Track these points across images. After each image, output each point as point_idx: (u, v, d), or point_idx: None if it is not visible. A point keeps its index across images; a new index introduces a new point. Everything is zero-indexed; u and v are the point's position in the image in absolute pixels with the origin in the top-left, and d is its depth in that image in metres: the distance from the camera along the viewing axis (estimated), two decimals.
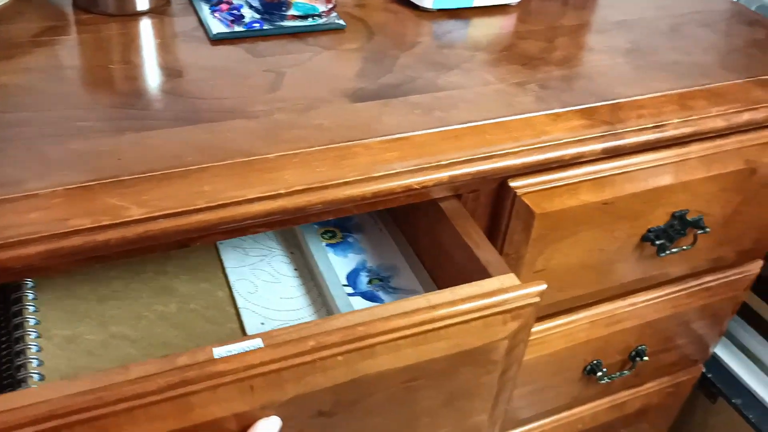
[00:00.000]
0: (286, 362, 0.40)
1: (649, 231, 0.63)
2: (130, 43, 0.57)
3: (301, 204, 0.44)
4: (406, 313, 0.43)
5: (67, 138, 0.45)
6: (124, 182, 0.42)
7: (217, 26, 0.59)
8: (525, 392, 0.74)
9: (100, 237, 0.40)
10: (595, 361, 0.76)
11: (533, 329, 0.68)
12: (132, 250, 0.42)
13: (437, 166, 0.48)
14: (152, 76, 0.53)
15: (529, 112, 0.53)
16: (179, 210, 0.41)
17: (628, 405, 0.88)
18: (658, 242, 0.64)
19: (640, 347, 0.78)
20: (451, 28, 0.66)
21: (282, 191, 0.44)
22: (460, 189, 0.52)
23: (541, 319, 0.68)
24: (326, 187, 0.45)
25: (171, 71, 0.54)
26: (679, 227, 0.64)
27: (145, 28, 0.60)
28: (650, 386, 0.88)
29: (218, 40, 0.59)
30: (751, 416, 0.90)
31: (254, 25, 0.60)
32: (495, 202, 0.55)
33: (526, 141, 0.51)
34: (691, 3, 0.77)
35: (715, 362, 0.95)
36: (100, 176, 0.42)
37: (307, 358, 0.41)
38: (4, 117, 0.47)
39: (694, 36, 0.69)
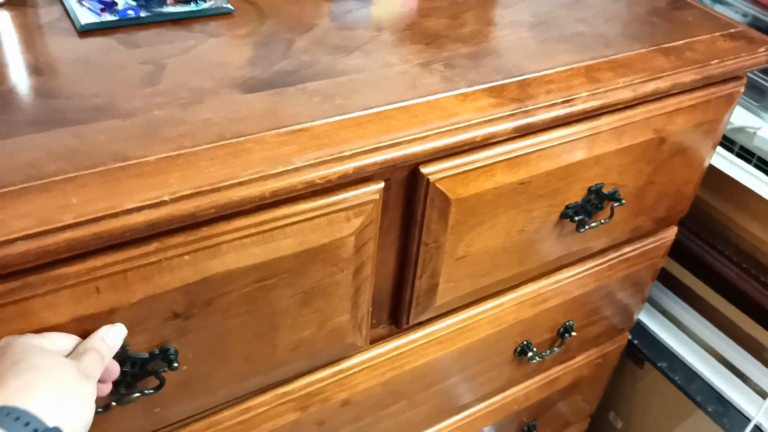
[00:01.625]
0: (131, 263, 0.40)
1: (567, 207, 0.62)
2: None
3: (190, 210, 0.39)
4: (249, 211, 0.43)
5: None
6: None
7: (85, 16, 0.53)
8: (458, 380, 0.72)
9: None
10: (524, 342, 0.74)
11: (460, 317, 0.66)
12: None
13: (340, 157, 0.44)
14: (7, 76, 0.47)
15: (436, 94, 0.50)
16: (41, 229, 0.36)
17: (560, 380, 0.87)
18: (577, 218, 0.62)
19: (567, 323, 0.77)
20: (351, 7, 0.62)
21: (166, 198, 0.39)
22: (366, 180, 0.48)
23: (467, 306, 0.66)
24: (218, 190, 0.40)
25: (30, 69, 0.48)
26: (596, 201, 0.63)
27: (2, 18, 0.53)
28: (579, 359, 0.88)
29: (87, 31, 0.52)
30: (676, 378, 0.91)
31: (129, 12, 0.54)
32: (408, 191, 0.52)
33: (435, 124, 0.48)
34: None
35: (639, 328, 0.96)
36: None
37: (152, 258, 0.41)
38: None
39: (596, 6, 0.67)
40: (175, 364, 0.45)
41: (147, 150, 0.41)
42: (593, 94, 0.54)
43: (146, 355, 0.45)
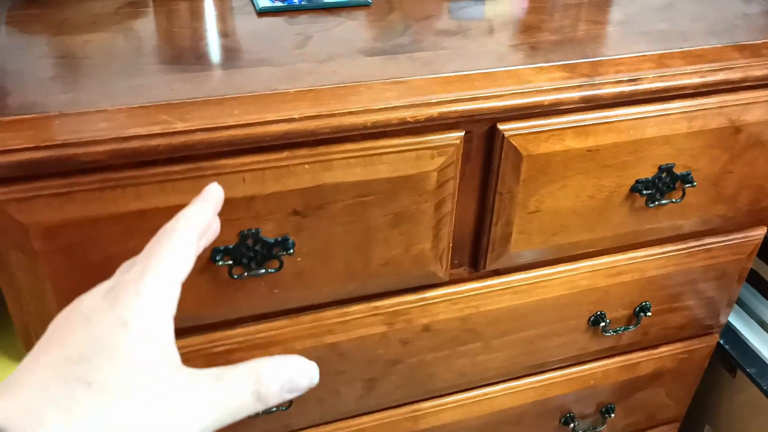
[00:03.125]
0: (267, 164, 0.56)
1: (637, 182, 0.70)
2: (194, 15, 0.70)
3: (311, 128, 0.55)
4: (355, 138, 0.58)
5: (133, 76, 0.58)
6: (174, 105, 0.54)
7: (263, 2, 0.71)
8: (532, 335, 0.81)
9: (152, 142, 0.52)
10: (598, 312, 0.82)
11: (534, 273, 0.75)
12: (176, 158, 0.54)
13: (428, 103, 0.57)
14: (207, 37, 0.66)
15: (516, 65, 0.62)
16: (212, 126, 0.53)
17: (641, 366, 0.92)
18: (646, 192, 0.70)
19: (644, 303, 0.83)
20: (467, 5, 0.75)
21: (296, 116, 0.54)
22: (451, 127, 0.61)
23: (541, 265, 0.76)
24: (333, 115, 0.55)
25: (222, 33, 0.66)
26: (667, 180, 0.70)
27: (208, 4, 0.73)
28: (663, 351, 0.92)
29: (263, 12, 0.71)
30: (765, 386, 0.92)
31: (294, 1, 0.72)
32: (487, 145, 0.64)
33: (510, 87, 0.60)
34: None
35: (731, 333, 0.97)
36: (155, 101, 0.54)
37: (283, 163, 0.57)
38: (84, 62, 0.60)
39: (686, 9, 0.75)
40: (291, 251, 0.61)
41: (288, 86, 0.57)
42: (660, 77, 0.63)
43: (272, 240, 0.60)
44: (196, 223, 0.37)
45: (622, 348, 0.89)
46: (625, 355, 0.91)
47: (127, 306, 0.30)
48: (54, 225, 0.53)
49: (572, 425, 0.94)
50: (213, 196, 0.41)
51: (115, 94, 0.55)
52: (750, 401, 0.98)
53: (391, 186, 0.61)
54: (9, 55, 0.60)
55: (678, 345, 0.93)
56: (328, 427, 0.81)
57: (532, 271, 0.76)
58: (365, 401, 0.79)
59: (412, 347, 0.76)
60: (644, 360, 0.92)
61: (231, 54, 0.62)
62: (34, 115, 0.51)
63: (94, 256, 0.56)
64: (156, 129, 0.52)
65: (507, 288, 0.75)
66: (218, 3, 0.73)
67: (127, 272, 0.34)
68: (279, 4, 0.71)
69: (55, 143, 0.50)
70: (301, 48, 0.64)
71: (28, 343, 0.61)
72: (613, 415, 0.96)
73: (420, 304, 0.73)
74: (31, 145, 0.49)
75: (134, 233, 0.56)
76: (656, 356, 0.92)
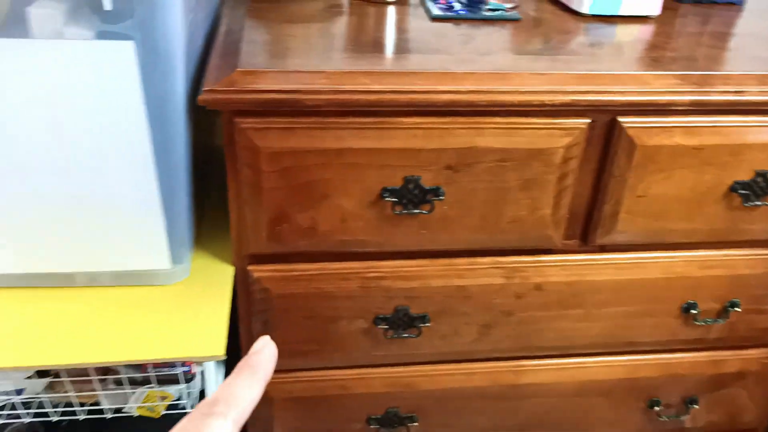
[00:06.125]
0: (434, 125, 0.74)
1: (735, 182, 0.82)
2: (380, 16, 0.90)
3: (471, 100, 0.72)
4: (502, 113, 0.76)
5: (341, 52, 0.77)
6: (372, 73, 0.73)
7: (435, 11, 0.90)
8: (628, 311, 0.93)
9: (355, 97, 0.71)
10: (690, 301, 0.93)
11: (635, 254, 0.88)
12: (369, 111, 0.72)
13: (564, 92, 0.73)
14: (392, 33, 0.85)
15: (638, 71, 0.77)
16: (399, 89, 0.71)
17: (727, 364, 1.01)
18: (742, 192, 0.82)
19: (733, 300, 0.93)
20: (599, 26, 0.91)
21: (461, 90, 0.72)
22: (579, 114, 0.76)
23: (642, 248, 0.88)
24: (489, 93, 0.72)
25: (403, 31, 0.86)
26: (763, 185, 0.82)
27: (391, 10, 0.93)
28: (749, 353, 1.01)
29: (435, 19, 0.90)
30: None
31: (460, 12, 0.90)
32: (607, 133, 0.79)
33: (631, 87, 0.74)
34: None
35: None
36: (360, 69, 0.73)
37: (445, 126, 0.73)
38: (303, 40, 0.80)
39: None
40: (442, 197, 0.78)
41: (457, 68, 0.75)
42: (761, 92, 0.76)
43: (428, 187, 0.78)
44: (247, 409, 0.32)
45: (710, 342, 0.99)
46: (712, 351, 1.00)
47: None
48: (277, 151, 0.73)
49: (657, 409, 1.04)
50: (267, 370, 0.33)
51: (332, 61, 0.75)
52: None
53: (526, 155, 0.77)
54: (254, 32, 0.82)
55: (764, 350, 1.01)
56: (445, 366, 0.96)
57: (633, 252, 0.88)
58: (478, 345, 0.94)
59: (524, 302, 0.90)
60: (730, 358, 1.01)
61: (412, 44, 0.81)
62: (270, 70, 0.72)
63: (299, 179, 0.76)
64: (359, 87, 0.71)
65: (610, 263, 0.88)
66: (399, 9, 0.93)
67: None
68: (449, 14, 0.90)
69: (289, 89, 0.70)
70: (465, 44, 0.82)
71: (240, 246, 0.81)
72: (696, 406, 1.05)
73: (535, 265, 0.87)
74: (273, 88, 0.70)
75: (331, 166, 0.75)
76: (742, 357, 1.01)
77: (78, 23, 0.60)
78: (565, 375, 0.99)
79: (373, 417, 0.99)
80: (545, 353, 0.97)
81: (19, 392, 0.82)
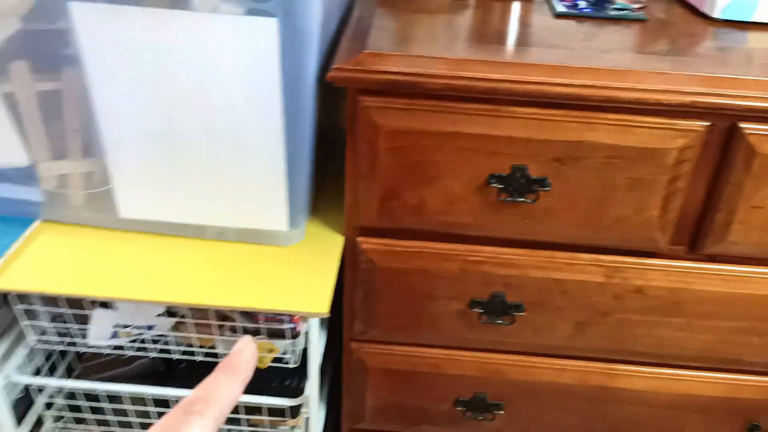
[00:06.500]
0: (545, 117, 0.76)
1: None
2: (504, 12, 0.93)
3: (585, 94, 0.74)
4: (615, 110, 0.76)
5: (459, 43, 0.81)
6: (490, 62, 0.76)
7: (559, 8, 0.92)
8: (733, 327, 0.90)
9: (472, 84, 0.74)
10: None
11: (746, 268, 0.86)
12: (484, 99, 0.76)
13: (683, 92, 0.73)
14: (515, 27, 0.88)
15: (764, 77, 0.75)
16: (515, 79, 0.74)
17: None
18: None
19: None
20: (730, 31, 0.89)
21: (575, 83, 0.74)
22: (698, 116, 0.75)
23: (754, 262, 0.85)
24: (604, 88, 0.74)
25: (526, 25, 0.88)
26: None
27: (515, 7, 0.96)
28: None
29: (558, 15, 0.91)
30: None
31: (584, 9, 0.92)
32: (726, 138, 0.77)
33: (755, 92, 0.73)
34: None
35: None
36: (483, 59, 0.77)
37: (557, 118, 0.76)
38: (429, 30, 0.85)
39: None
40: (547, 189, 0.80)
41: (573, 63, 0.77)
42: None
43: (534, 177, 0.80)
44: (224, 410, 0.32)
45: None
46: None
47: None
48: (395, 130, 0.79)
49: None
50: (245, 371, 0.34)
51: (453, 50, 0.79)
52: None
53: (636, 154, 0.78)
54: (383, 20, 0.88)
55: None
56: (536, 359, 0.98)
57: (745, 265, 0.86)
58: (571, 342, 0.94)
59: (623, 304, 0.90)
60: None
61: (532, 39, 0.84)
62: (395, 53, 0.77)
63: (412, 158, 0.80)
64: (477, 74, 0.75)
65: (718, 274, 0.86)
66: (524, 5, 0.96)
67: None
68: (572, 11, 0.91)
69: (410, 72, 0.75)
70: (586, 41, 0.83)
71: (352, 218, 0.87)
72: None
73: (637, 267, 0.87)
74: (396, 70, 0.75)
75: (443, 148, 0.79)
76: None
77: (231, 0, 0.68)
78: (659, 385, 0.98)
79: (460, 399, 1.02)
80: (640, 359, 0.96)
81: (149, 328, 0.93)
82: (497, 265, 0.89)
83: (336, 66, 0.75)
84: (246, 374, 0.33)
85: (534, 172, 0.80)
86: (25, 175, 0.84)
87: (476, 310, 0.92)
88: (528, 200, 0.81)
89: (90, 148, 0.82)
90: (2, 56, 0.74)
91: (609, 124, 0.76)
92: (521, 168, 0.79)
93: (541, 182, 0.80)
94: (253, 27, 0.69)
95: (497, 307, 0.91)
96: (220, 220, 0.87)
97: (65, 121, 0.80)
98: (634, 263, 0.87)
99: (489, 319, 0.92)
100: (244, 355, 0.34)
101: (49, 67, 0.76)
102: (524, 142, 0.78)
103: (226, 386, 0.32)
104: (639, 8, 0.93)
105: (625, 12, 0.91)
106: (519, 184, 0.81)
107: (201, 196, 0.84)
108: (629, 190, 0.80)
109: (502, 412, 1.03)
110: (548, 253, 0.88)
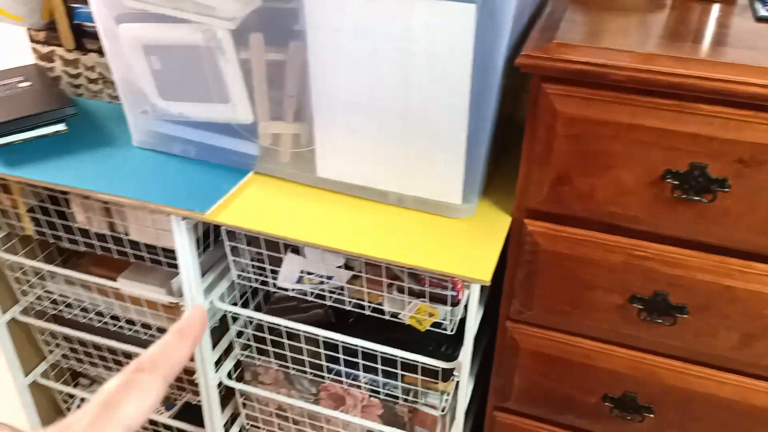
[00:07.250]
0: (734, 116, 0.75)
1: None
2: (702, 14, 0.93)
3: (731, 89, 0.73)
4: None
5: (649, 39, 0.83)
6: (678, 58, 0.77)
7: (762, 12, 0.90)
8: None
9: (655, 77, 0.76)
10: None
11: None
12: (668, 93, 0.77)
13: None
14: (706, 29, 0.88)
15: None
16: (702, 76, 0.75)
17: None
18: None
19: None
20: None
21: (758, 82, 0.73)
22: None
23: None
24: (729, 82, 0.72)
25: (720, 27, 0.88)
26: None
27: (714, 9, 0.95)
28: None
29: (761, 19, 0.89)
30: None
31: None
32: None
33: None
34: None
35: None
36: (671, 54, 0.78)
37: (746, 119, 0.75)
38: (615, 27, 0.87)
39: None
40: (726, 190, 0.79)
41: (756, 62, 0.76)
42: None
43: (713, 177, 0.80)
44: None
45: None
46: None
47: None
48: (574, 118, 0.83)
49: None
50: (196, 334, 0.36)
51: (642, 45, 0.81)
52: None
53: None
54: (574, 15, 0.92)
55: None
56: (695, 368, 0.96)
57: None
58: (735, 354, 0.91)
59: None
60: None
61: (728, 39, 0.83)
62: (582, 45, 0.81)
63: (588, 147, 0.84)
64: (663, 69, 0.76)
65: None
66: (724, 7, 0.94)
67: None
68: None
69: (596, 62, 0.78)
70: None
71: (522, 199, 0.93)
72: None
73: None
74: (581, 60, 0.79)
75: (620, 140, 0.82)
76: None
77: None
78: None
79: (609, 395, 1.03)
80: None
81: (329, 278, 1.05)
82: (663, 264, 0.89)
83: (525, 53, 0.80)
84: (195, 336, 0.36)
85: (713, 172, 0.80)
86: (249, 132, 0.99)
87: (636, 305, 0.92)
88: (704, 200, 0.81)
89: (301, 112, 0.95)
90: (244, 28, 0.90)
91: None
92: (700, 166, 0.80)
93: (721, 183, 0.80)
94: (454, 11, 0.77)
95: (659, 306, 0.91)
96: (402, 187, 0.97)
97: (285, 87, 0.94)
98: None
99: (649, 316, 0.92)
100: (193, 318, 0.36)
101: (279, 40, 0.90)
102: (707, 140, 0.78)
103: (175, 347, 0.35)
104: None
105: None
106: (696, 183, 0.81)
107: (388, 164, 0.95)
108: None
109: (651, 415, 1.01)
110: (720, 258, 0.86)
